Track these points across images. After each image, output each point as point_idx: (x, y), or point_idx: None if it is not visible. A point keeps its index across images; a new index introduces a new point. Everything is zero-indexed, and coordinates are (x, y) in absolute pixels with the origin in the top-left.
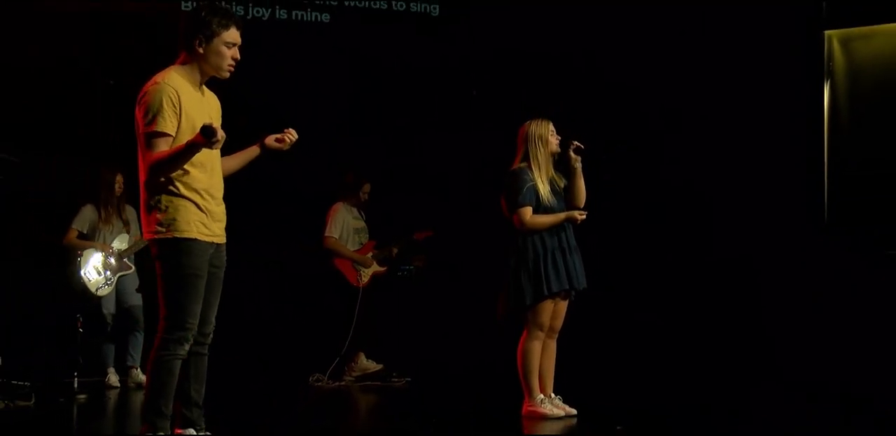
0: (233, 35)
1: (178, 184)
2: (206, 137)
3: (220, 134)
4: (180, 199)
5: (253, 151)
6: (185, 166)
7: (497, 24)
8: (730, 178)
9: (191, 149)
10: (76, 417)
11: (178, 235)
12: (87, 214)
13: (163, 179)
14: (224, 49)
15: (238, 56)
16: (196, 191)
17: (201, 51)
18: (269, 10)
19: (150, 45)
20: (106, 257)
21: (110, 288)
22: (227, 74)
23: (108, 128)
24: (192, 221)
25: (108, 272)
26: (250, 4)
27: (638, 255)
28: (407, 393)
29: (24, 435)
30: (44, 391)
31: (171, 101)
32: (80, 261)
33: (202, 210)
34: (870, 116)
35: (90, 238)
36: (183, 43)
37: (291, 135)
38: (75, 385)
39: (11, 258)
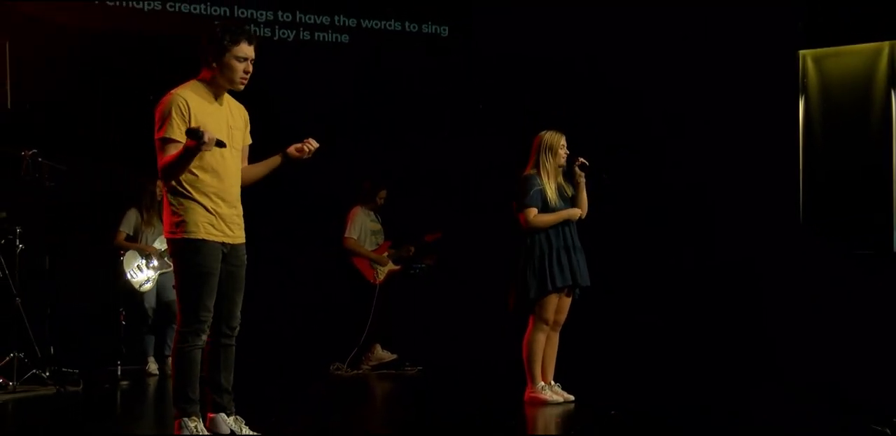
0: (243, 50)
1: (189, 188)
2: (192, 138)
3: (208, 136)
4: (190, 201)
5: (275, 161)
6: (196, 172)
7: (500, 39)
8: (713, 182)
9: (187, 152)
10: (119, 401)
11: (187, 236)
12: (131, 218)
13: (175, 184)
14: (235, 63)
15: (250, 69)
16: (206, 194)
17: (215, 65)
18: (294, 32)
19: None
20: (147, 258)
21: (152, 285)
22: (241, 87)
23: (146, 140)
24: (201, 223)
25: (150, 271)
26: (276, 27)
27: (638, 257)
28: (419, 381)
29: (73, 417)
30: (91, 378)
31: (181, 109)
32: (124, 261)
33: (211, 212)
34: (840, 128)
35: (135, 239)
36: (201, 59)
37: (311, 144)
38: (118, 373)
39: (62, 258)
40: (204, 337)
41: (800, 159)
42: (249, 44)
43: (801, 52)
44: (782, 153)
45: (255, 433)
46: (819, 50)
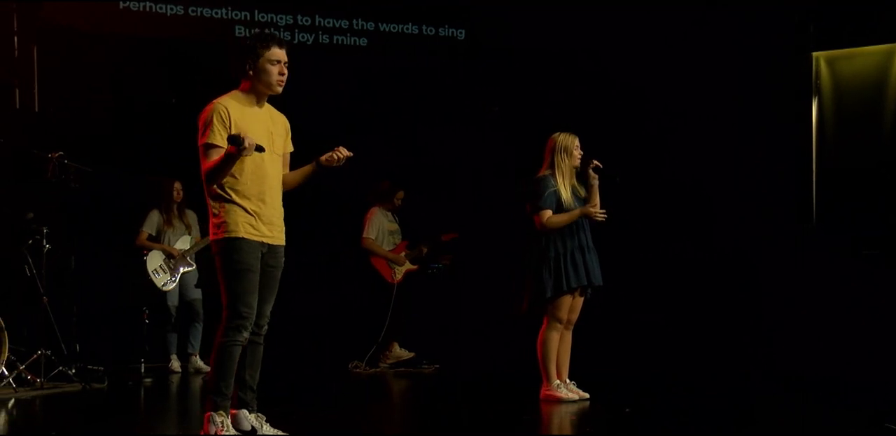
0: (275, 53)
1: (229, 191)
2: (232, 144)
3: (248, 141)
4: (230, 204)
5: (309, 168)
6: (237, 175)
7: (516, 42)
8: (728, 182)
9: (228, 157)
10: (143, 398)
11: (228, 235)
12: (153, 219)
13: (216, 188)
14: (269, 66)
15: (285, 71)
16: (246, 197)
17: (252, 73)
18: (313, 36)
19: (200, 65)
20: (169, 257)
21: (174, 284)
22: (280, 88)
23: (169, 142)
24: (241, 223)
25: (172, 270)
26: (296, 30)
27: (651, 254)
28: (436, 379)
29: (98, 413)
30: (115, 375)
31: (221, 117)
32: (147, 260)
33: (250, 213)
34: (853, 129)
35: (157, 239)
36: (238, 71)
37: (341, 152)
38: (142, 370)
39: (87, 257)
40: (246, 334)
41: (813, 160)
42: (280, 47)
43: (815, 54)
44: (796, 154)
45: (276, 431)
46: (832, 51)
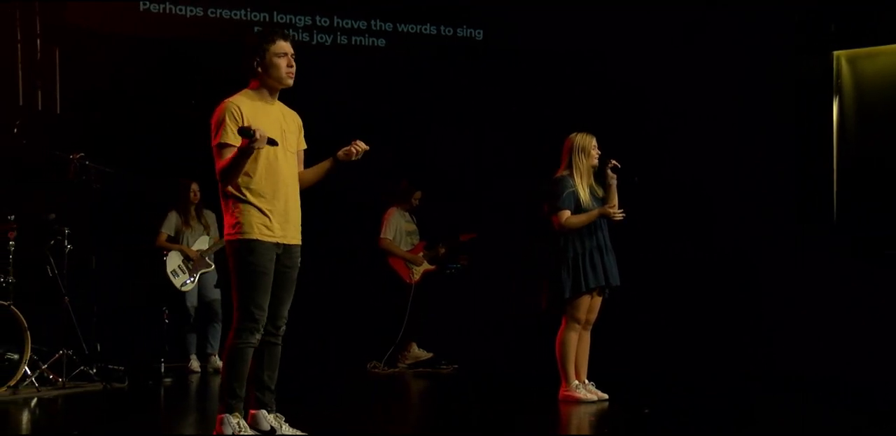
0: (280, 46)
1: (243, 190)
2: (244, 136)
3: (259, 133)
4: (245, 204)
5: (326, 165)
6: (250, 174)
7: (534, 42)
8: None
9: (242, 153)
10: (163, 397)
11: (242, 237)
12: (172, 220)
13: (231, 188)
14: (277, 60)
15: (293, 64)
16: (260, 195)
17: (260, 70)
18: (331, 37)
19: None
20: (186, 259)
21: (193, 284)
22: (290, 81)
23: (187, 143)
24: (255, 224)
25: (191, 271)
26: (314, 31)
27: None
28: (454, 379)
29: (119, 413)
30: (135, 375)
31: (234, 116)
32: (166, 261)
33: (265, 214)
34: (874, 128)
35: (176, 240)
36: (247, 70)
37: (359, 145)
38: (162, 370)
39: (108, 258)
40: (258, 336)
41: (834, 159)
42: (285, 40)
43: (836, 52)
44: (817, 153)
45: (294, 431)
46: (853, 50)
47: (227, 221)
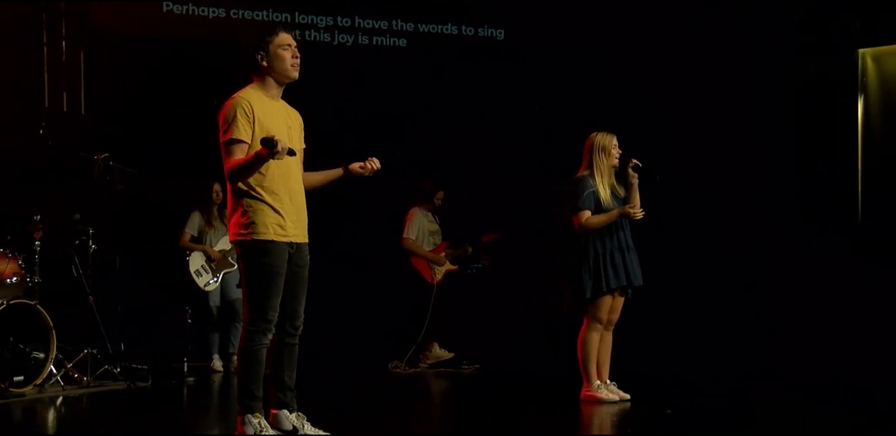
0: (283, 38)
1: (256, 189)
2: (267, 147)
3: (282, 145)
4: (259, 203)
5: (336, 173)
6: (263, 172)
7: (555, 41)
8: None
9: (257, 159)
10: (186, 396)
11: (257, 238)
12: (195, 220)
13: (241, 185)
14: (282, 52)
15: (297, 55)
16: (273, 194)
17: (265, 63)
18: (352, 37)
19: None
20: (209, 258)
21: (216, 284)
22: (296, 73)
23: (210, 144)
24: (270, 224)
25: (214, 271)
26: (336, 32)
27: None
28: (476, 379)
29: (143, 412)
30: (159, 374)
31: (245, 111)
32: (189, 261)
33: (278, 213)
34: None
35: (199, 240)
36: (251, 67)
37: (374, 163)
38: (185, 369)
39: (132, 258)
40: (270, 336)
41: (859, 158)
42: (287, 32)
43: (861, 50)
44: (841, 151)
45: (316, 430)
46: (878, 48)
47: (238, 220)
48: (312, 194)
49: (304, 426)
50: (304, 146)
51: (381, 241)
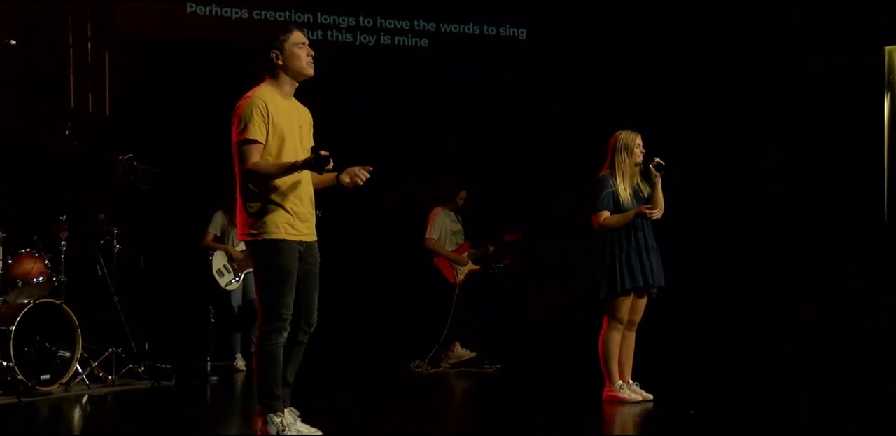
0: (297, 36)
1: (270, 189)
2: (317, 165)
3: (331, 165)
4: (270, 203)
5: (328, 181)
6: None
7: (577, 41)
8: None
9: (293, 169)
10: (209, 395)
11: (268, 237)
12: (218, 220)
13: (253, 184)
14: (297, 50)
15: (312, 52)
16: (285, 194)
17: (280, 62)
18: (375, 37)
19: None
20: (231, 258)
21: (238, 284)
22: (311, 71)
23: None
24: (281, 224)
25: (236, 271)
26: (358, 32)
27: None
28: (498, 379)
29: (167, 410)
30: (182, 373)
31: (261, 111)
32: (212, 261)
33: (289, 212)
34: None
35: (222, 240)
36: (265, 66)
37: (360, 178)
38: (208, 368)
39: (156, 257)
40: (285, 335)
41: (885, 157)
42: (300, 30)
43: (888, 48)
44: (867, 151)
45: (310, 429)
46: None
47: (247, 220)
48: (331, 192)
49: (295, 421)
50: (312, 144)
51: (404, 241)
